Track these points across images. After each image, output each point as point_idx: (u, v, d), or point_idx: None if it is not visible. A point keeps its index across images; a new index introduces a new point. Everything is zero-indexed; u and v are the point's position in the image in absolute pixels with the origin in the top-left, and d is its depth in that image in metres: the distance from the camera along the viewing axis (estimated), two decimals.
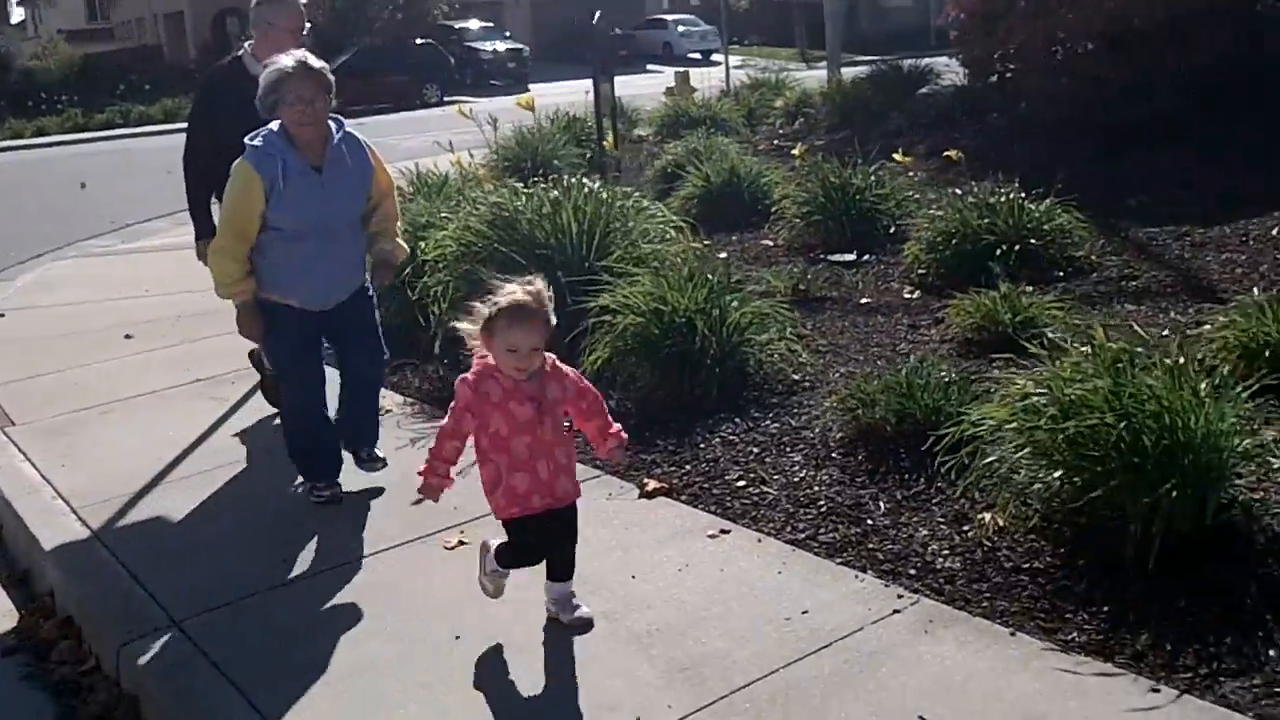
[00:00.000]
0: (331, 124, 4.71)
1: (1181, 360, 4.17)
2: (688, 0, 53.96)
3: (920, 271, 7.49)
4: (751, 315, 5.85)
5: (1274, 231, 7.54)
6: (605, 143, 11.00)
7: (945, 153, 9.32)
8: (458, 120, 10.65)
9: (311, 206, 4.62)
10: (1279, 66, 9.48)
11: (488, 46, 41.45)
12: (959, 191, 7.95)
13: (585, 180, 7.02)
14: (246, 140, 4.59)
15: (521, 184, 7.27)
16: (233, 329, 4.95)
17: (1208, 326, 5.58)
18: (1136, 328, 5.70)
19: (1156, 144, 9.70)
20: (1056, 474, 3.97)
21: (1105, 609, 3.67)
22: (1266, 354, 5.19)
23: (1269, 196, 8.05)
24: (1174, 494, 3.76)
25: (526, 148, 11.51)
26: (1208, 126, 9.66)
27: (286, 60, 4.56)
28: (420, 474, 3.75)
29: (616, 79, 11.74)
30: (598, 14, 11.15)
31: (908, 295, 7.24)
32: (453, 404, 3.68)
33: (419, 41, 38.15)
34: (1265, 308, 5.36)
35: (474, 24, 44.20)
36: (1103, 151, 9.87)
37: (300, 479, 5.17)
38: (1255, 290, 6.10)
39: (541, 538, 3.76)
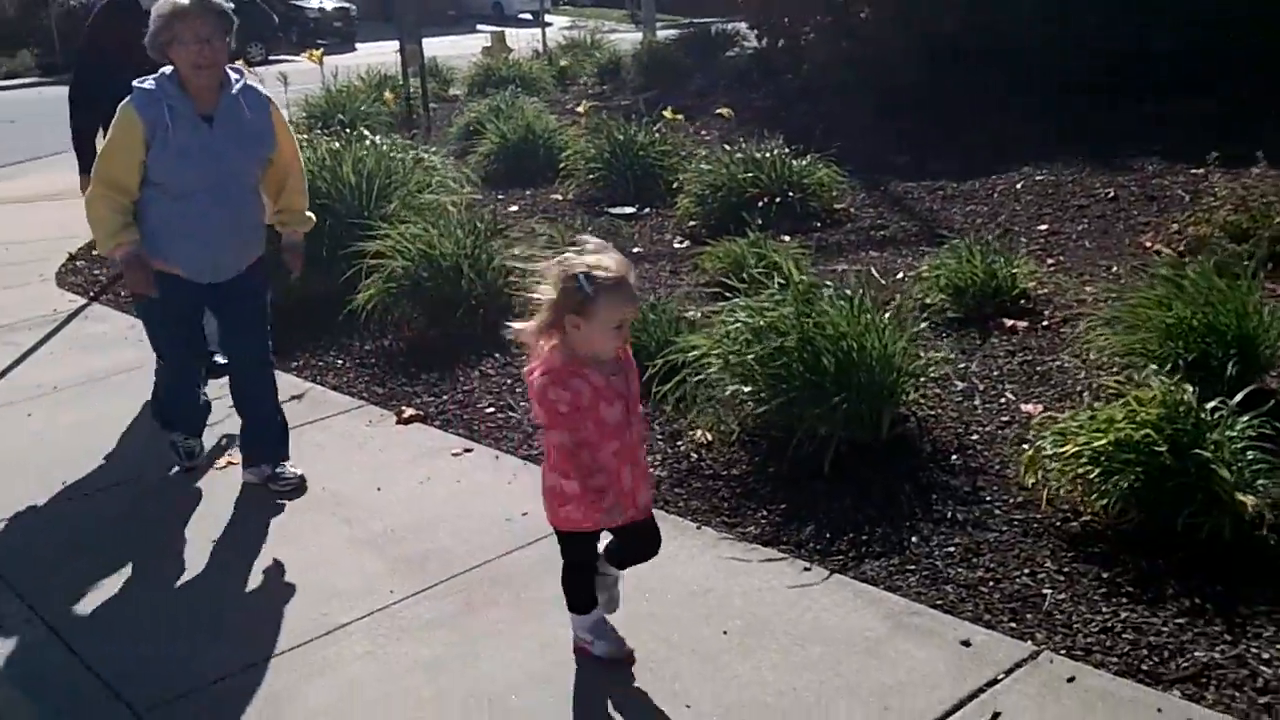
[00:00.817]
0: (232, 73, 4.25)
1: (862, 293, 4.75)
2: None
3: (691, 223, 8.02)
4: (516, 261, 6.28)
5: (1018, 185, 8.28)
6: (411, 100, 11.27)
7: (718, 110, 9.86)
8: (278, 79, 10.80)
9: (199, 161, 4.11)
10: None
11: (314, 5, 40.77)
12: (728, 147, 8.49)
13: (366, 133, 7.33)
14: (135, 83, 4.13)
15: (306, 137, 7.54)
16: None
17: (925, 268, 6.23)
18: (874, 271, 6.36)
19: (927, 105, 10.41)
20: (748, 389, 4.52)
21: (782, 507, 4.23)
22: (971, 290, 5.87)
23: (1023, 154, 8.81)
24: (845, 407, 4.35)
25: (335, 105, 11.70)
26: (974, 90, 10.40)
27: None
28: (597, 510, 3.12)
29: (442, 39, 12.04)
30: None
31: (677, 245, 7.76)
32: (550, 411, 3.05)
33: None
34: (972, 250, 6.04)
35: None
36: (880, 110, 10.54)
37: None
38: (990, 236, 6.83)
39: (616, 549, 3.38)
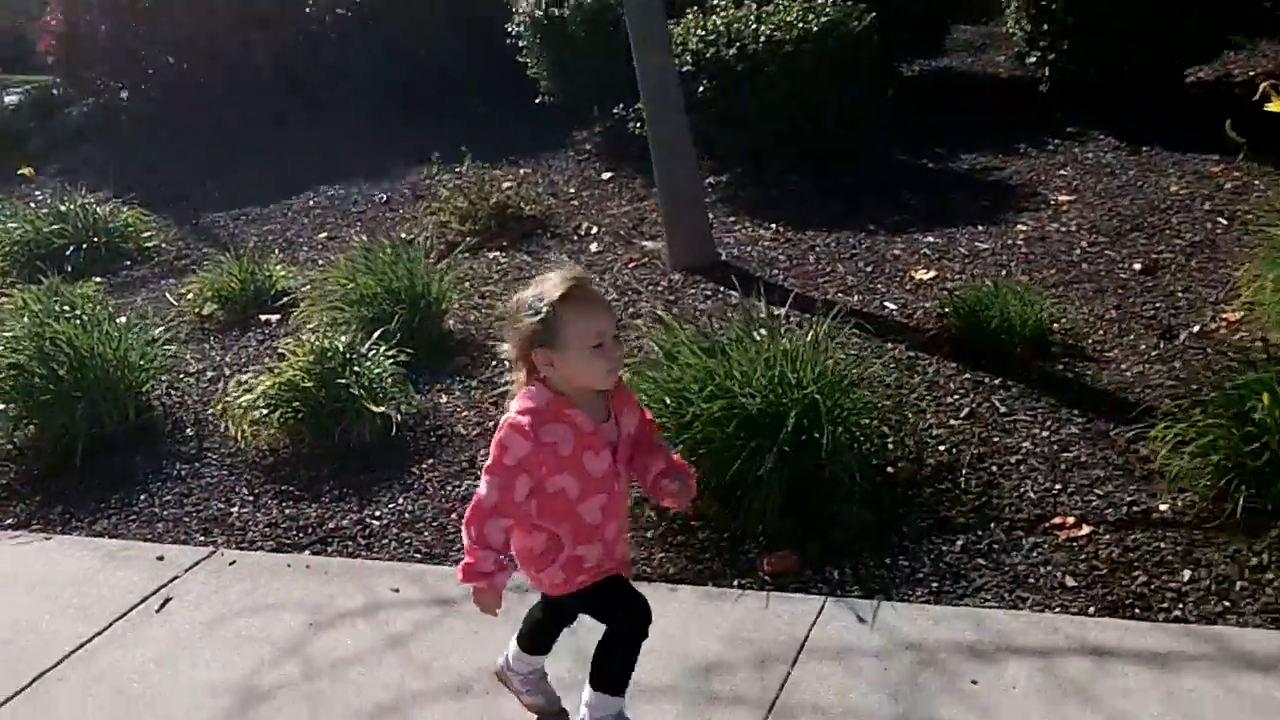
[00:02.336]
0: None
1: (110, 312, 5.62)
2: None
3: None
4: None
5: (310, 202, 9.40)
6: None
7: (20, 170, 10.29)
8: None
9: None
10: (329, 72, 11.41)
11: None
12: (32, 205, 8.99)
13: None
14: None
15: None
16: None
17: (194, 283, 7.15)
18: (168, 295, 7.19)
19: (238, 139, 11.33)
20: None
21: (38, 499, 5.02)
22: (236, 296, 6.85)
23: (318, 174, 9.93)
24: (84, 405, 5.20)
25: None
26: (280, 122, 11.45)
27: None
28: (463, 578, 2.71)
29: None
30: None
31: None
32: (495, 457, 2.68)
33: None
34: (232, 264, 7.04)
35: None
36: (196, 151, 11.33)
37: None
38: (276, 250, 7.85)
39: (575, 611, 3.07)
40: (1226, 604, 3.35)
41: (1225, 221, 5.82)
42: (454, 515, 4.38)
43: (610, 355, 2.65)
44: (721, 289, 5.84)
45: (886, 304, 5.49)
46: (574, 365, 2.64)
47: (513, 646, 3.15)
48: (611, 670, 2.92)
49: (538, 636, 3.11)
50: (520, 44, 9.15)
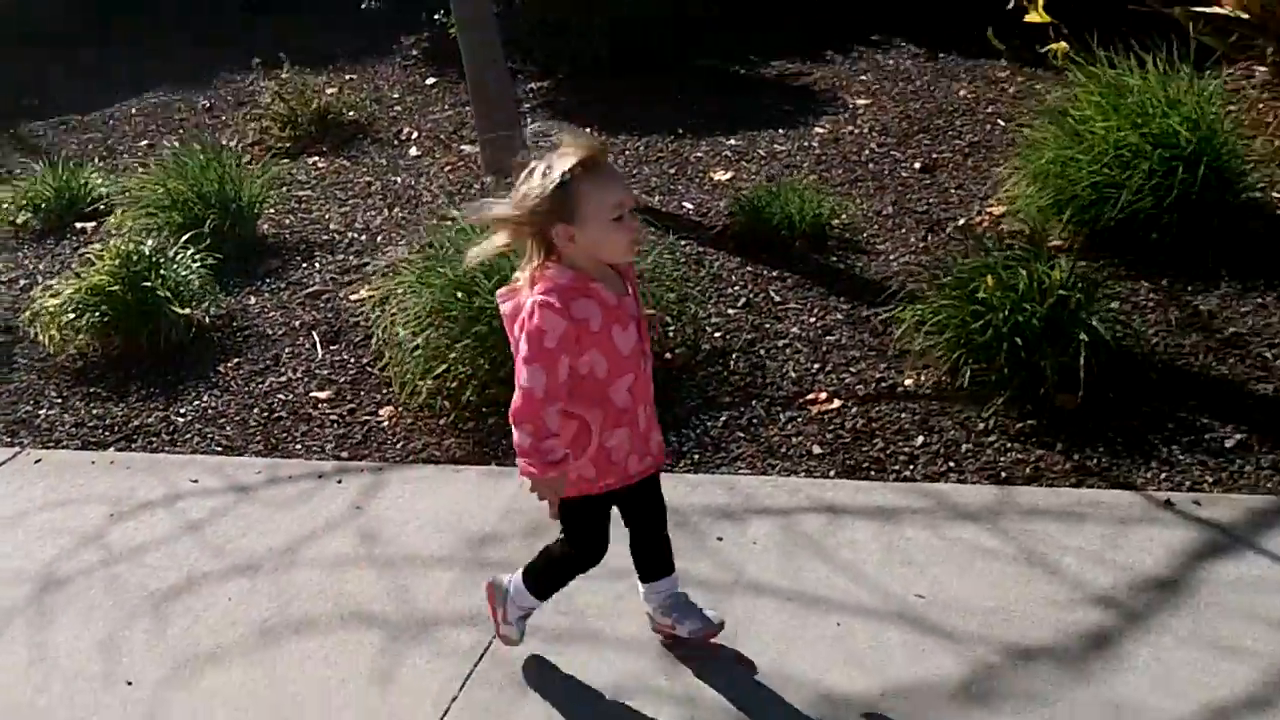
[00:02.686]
0: None
1: None
2: None
3: None
4: None
5: (132, 110, 9.27)
6: None
7: None
8: None
9: None
10: None
11: None
12: None
13: None
14: None
15: None
16: None
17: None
18: None
19: (66, 45, 11.05)
20: None
21: None
22: (50, 205, 6.80)
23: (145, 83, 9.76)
24: None
25: None
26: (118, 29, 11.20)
27: None
28: (534, 471, 2.60)
29: None
30: None
31: None
32: (536, 342, 2.54)
33: None
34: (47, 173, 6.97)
35: None
36: (24, 60, 11.03)
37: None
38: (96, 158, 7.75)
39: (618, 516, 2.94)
40: (951, 464, 3.73)
41: (1003, 123, 6.20)
42: (255, 410, 4.56)
43: (631, 227, 2.57)
44: None
45: (684, 203, 5.76)
46: (595, 238, 2.54)
47: (518, 578, 2.99)
48: (651, 559, 3.02)
49: (553, 575, 2.97)
50: None
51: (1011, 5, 5.09)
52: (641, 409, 2.73)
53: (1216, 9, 5.64)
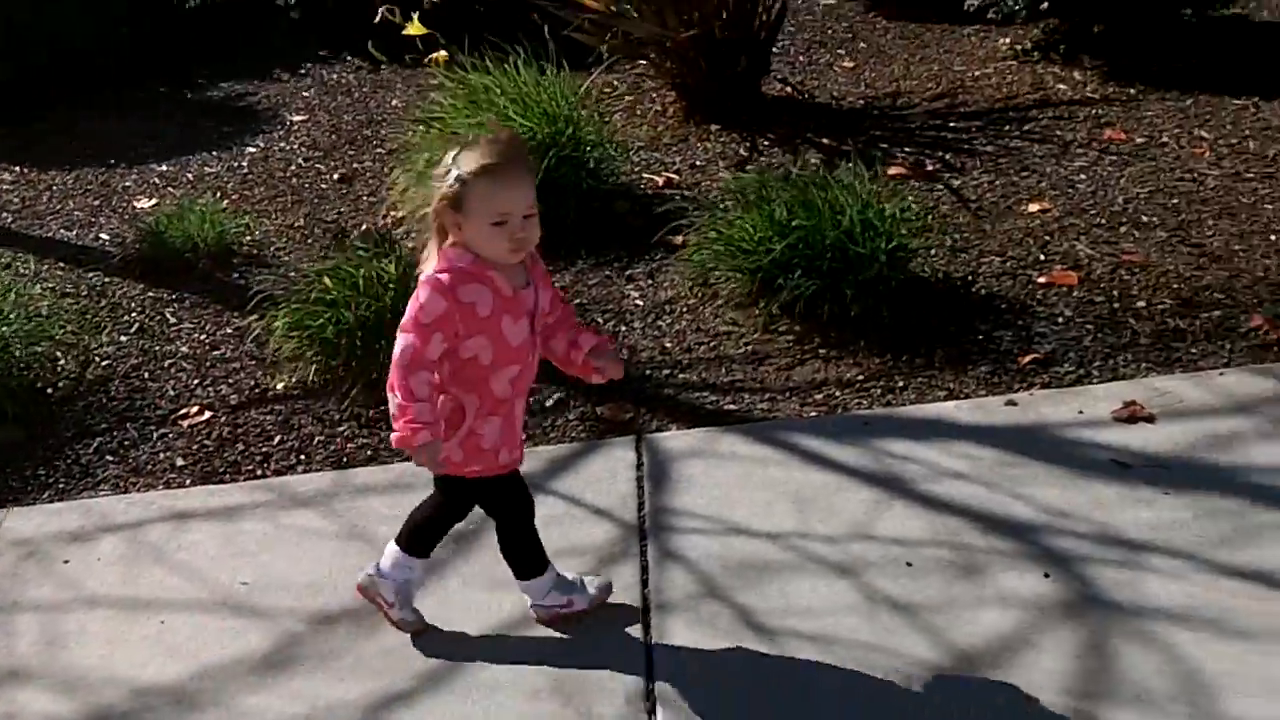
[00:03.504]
0: None
1: None
2: None
3: None
4: None
5: None
6: None
7: None
8: None
9: None
10: None
11: None
12: None
13: None
14: None
15: None
16: None
17: None
18: None
19: None
20: None
21: None
22: None
23: None
24: None
25: None
26: None
27: None
28: (400, 434, 2.63)
29: None
30: None
31: None
32: (413, 314, 2.64)
33: None
34: None
35: None
36: None
37: None
38: None
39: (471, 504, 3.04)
40: (302, 458, 4.01)
41: (424, 129, 6.56)
42: None
43: (513, 234, 2.61)
44: None
45: (102, 235, 5.76)
46: (473, 236, 2.63)
47: (390, 550, 3.08)
48: (520, 558, 3.03)
49: (424, 532, 3.07)
50: None
51: (378, 20, 5.41)
52: (519, 402, 2.84)
53: (589, 3, 6.11)
